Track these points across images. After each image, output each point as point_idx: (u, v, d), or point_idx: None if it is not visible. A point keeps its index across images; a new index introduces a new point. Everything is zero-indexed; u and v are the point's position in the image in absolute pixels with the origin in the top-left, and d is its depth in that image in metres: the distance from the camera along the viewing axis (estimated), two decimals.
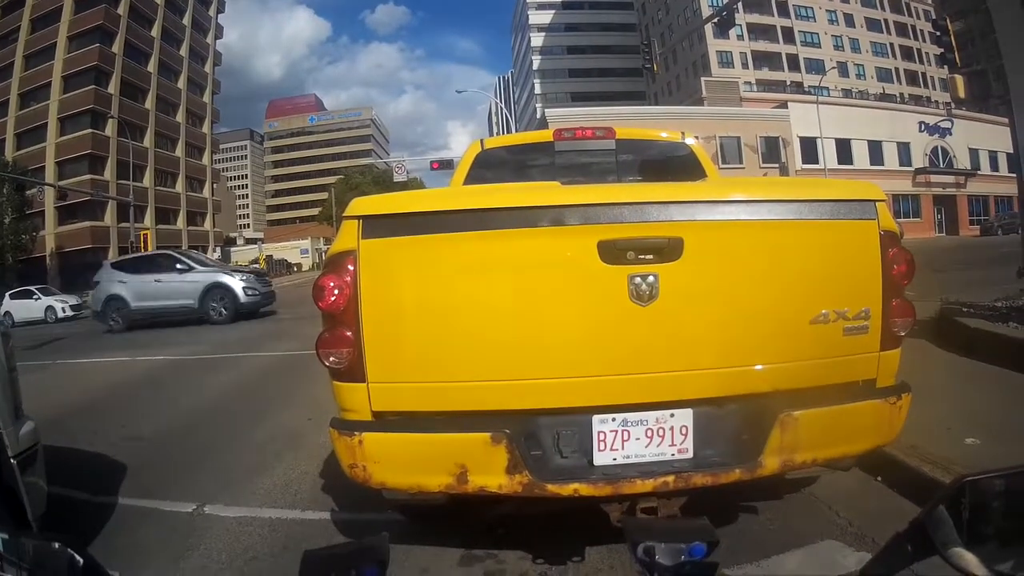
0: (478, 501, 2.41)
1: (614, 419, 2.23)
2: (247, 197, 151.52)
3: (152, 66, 60.57)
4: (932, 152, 48.79)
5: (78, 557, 0.85)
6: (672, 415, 2.24)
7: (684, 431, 2.24)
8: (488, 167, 4.93)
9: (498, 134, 61.72)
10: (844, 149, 44.20)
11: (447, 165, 40.33)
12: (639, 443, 2.24)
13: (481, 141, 5.28)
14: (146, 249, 30.97)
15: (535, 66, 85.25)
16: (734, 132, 40.90)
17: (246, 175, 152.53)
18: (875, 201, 2.34)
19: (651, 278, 2.17)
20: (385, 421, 2.30)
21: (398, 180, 47.99)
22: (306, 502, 3.77)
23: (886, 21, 65.01)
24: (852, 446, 2.38)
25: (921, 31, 62.30)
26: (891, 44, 64.82)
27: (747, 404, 2.28)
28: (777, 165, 40.15)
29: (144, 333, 15.28)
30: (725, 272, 2.24)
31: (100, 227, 52.12)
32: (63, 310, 28.78)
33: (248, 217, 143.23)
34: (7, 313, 28.30)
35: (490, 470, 2.19)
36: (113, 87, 55.38)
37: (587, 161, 5.01)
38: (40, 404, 4.62)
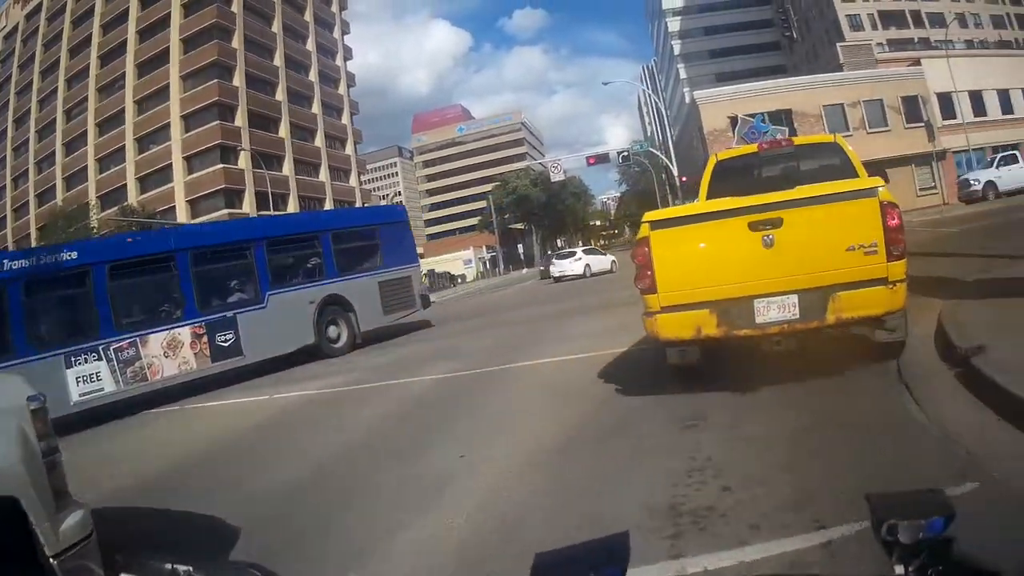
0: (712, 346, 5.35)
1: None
2: None
3: (280, 94, 59.04)
4: None
5: None
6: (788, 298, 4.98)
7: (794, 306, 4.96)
8: (721, 174, 7.79)
9: (649, 123, 69.21)
10: (977, 101, 42.67)
11: (603, 159, 46.85)
12: (774, 311, 4.94)
13: (715, 155, 8.32)
14: None
15: (676, 51, 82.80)
16: (875, 95, 40.49)
17: (400, 192, 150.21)
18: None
19: (770, 229, 4.87)
20: (664, 310, 5.16)
21: (556, 180, 50.79)
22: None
23: None
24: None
25: None
26: None
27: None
28: (922, 123, 39.73)
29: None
30: (804, 236, 4.95)
31: None
32: None
33: None
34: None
35: (708, 327, 5.01)
36: (240, 120, 53.80)
37: (778, 164, 7.97)
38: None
